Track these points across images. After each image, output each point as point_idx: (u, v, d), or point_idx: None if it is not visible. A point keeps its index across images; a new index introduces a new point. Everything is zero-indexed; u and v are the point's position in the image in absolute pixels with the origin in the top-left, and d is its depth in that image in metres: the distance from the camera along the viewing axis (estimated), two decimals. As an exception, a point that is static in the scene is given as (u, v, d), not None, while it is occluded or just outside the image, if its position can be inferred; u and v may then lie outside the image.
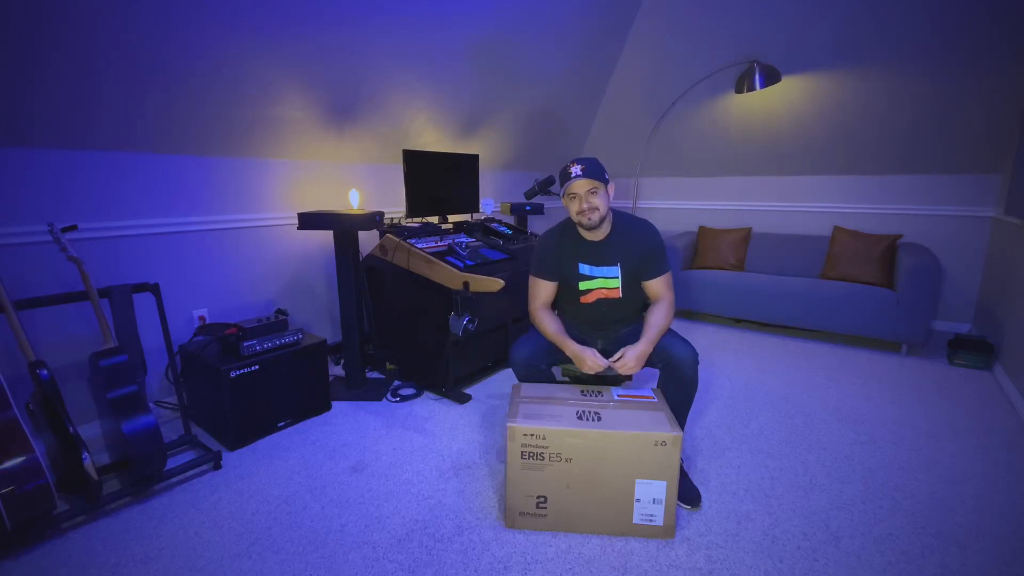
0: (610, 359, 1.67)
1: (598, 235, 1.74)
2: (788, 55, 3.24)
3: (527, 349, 1.77)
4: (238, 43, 1.98)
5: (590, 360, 1.66)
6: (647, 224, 1.81)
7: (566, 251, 1.80)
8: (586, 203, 1.64)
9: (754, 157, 3.84)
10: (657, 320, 1.70)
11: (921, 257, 2.87)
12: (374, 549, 1.44)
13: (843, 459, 1.89)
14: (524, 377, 1.79)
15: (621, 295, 1.80)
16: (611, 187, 1.71)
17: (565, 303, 1.91)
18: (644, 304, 1.88)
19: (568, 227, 1.81)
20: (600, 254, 1.77)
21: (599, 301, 1.82)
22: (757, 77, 3.24)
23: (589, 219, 1.66)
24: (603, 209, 1.67)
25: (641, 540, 1.47)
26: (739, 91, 3.36)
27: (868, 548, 1.43)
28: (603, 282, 1.79)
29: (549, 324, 1.77)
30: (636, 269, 1.77)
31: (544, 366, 1.78)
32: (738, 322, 3.72)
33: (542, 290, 1.84)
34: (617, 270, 1.77)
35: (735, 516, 1.57)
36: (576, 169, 1.63)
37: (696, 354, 1.68)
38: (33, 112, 1.72)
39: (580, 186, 1.63)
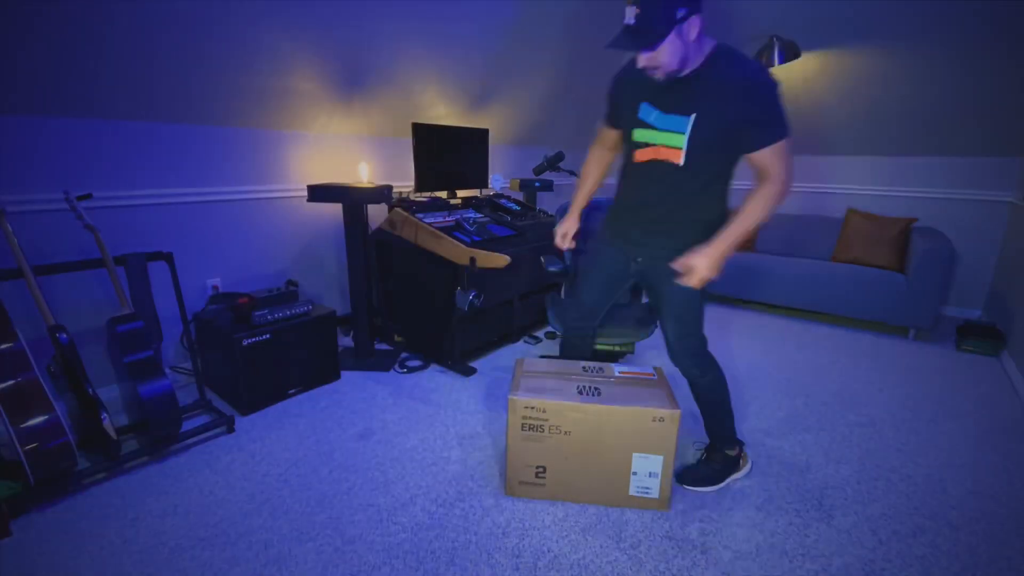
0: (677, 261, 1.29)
1: (683, 70, 1.23)
2: (809, 30, 3.14)
3: (576, 308, 1.64)
4: (248, 13, 1.97)
5: (558, 239, 1.48)
6: (760, 70, 1.24)
7: (633, 86, 1.33)
8: (644, 63, 1.20)
9: (769, 136, 3.76)
10: (754, 208, 1.27)
11: (935, 241, 2.83)
12: (379, 511, 1.50)
13: (841, 440, 1.91)
14: (566, 349, 1.75)
15: (683, 161, 1.30)
16: (693, 23, 1.15)
17: (625, 162, 1.45)
18: (719, 196, 1.39)
19: None
20: (673, 95, 1.26)
21: (652, 164, 1.35)
22: (776, 53, 3.15)
23: (653, 75, 1.22)
24: (672, 63, 1.17)
25: (636, 511, 1.51)
26: (757, 67, 3.28)
27: (860, 526, 1.47)
28: (664, 136, 1.29)
29: (586, 169, 1.52)
30: (725, 129, 1.26)
31: (590, 329, 1.69)
32: (745, 303, 3.71)
33: (606, 136, 1.52)
34: (687, 123, 1.26)
35: (730, 492, 1.61)
36: (630, 15, 1.13)
37: (702, 372, 1.55)
38: (48, 82, 1.73)
39: (641, 58, 1.19)
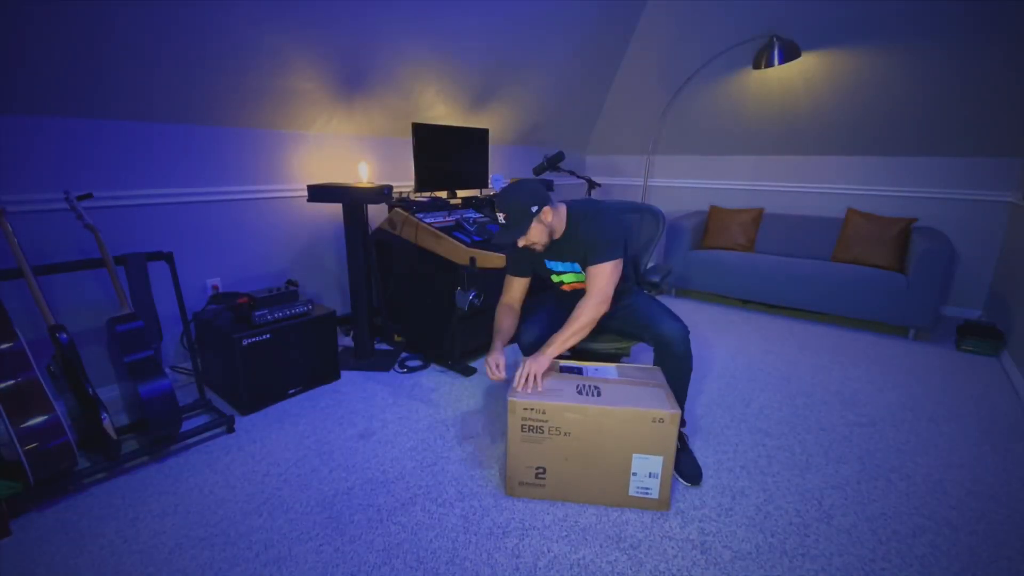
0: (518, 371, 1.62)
1: (555, 236, 1.74)
2: (809, 30, 3.14)
3: (536, 331, 1.79)
4: (248, 13, 1.97)
5: (490, 372, 1.68)
6: (599, 215, 1.73)
7: (532, 253, 1.79)
8: (522, 243, 1.69)
9: (769, 136, 3.77)
10: (575, 315, 1.65)
11: (935, 241, 2.83)
12: (379, 511, 1.50)
13: (841, 440, 1.91)
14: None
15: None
16: (545, 212, 1.64)
17: (555, 290, 1.96)
18: (629, 279, 1.89)
19: None
20: (560, 251, 1.78)
21: (575, 290, 1.85)
22: (776, 53, 3.16)
23: (535, 248, 1.71)
24: (542, 239, 1.68)
25: (636, 511, 1.51)
26: (757, 67, 3.29)
27: (860, 526, 1.47)
28: (571, 276, 1.82)
29: (501, 320, 1.84)
30: (583, 261, 1.75)
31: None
32: (745, 303, 3.71)
33: (512, 287, 1.90)
34: (577, 266, 1.79)
35: (730, 492, 1.61)
36: (501, 218, 1.65)
37: (686, 329, 1.69)
38: (49, 82, 1.74)
39: (518, 243, 1.68)
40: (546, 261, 1.83)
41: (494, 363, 1.68)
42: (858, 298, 3.03)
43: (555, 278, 1.87)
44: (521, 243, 1.68)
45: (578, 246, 1.73)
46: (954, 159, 3.23)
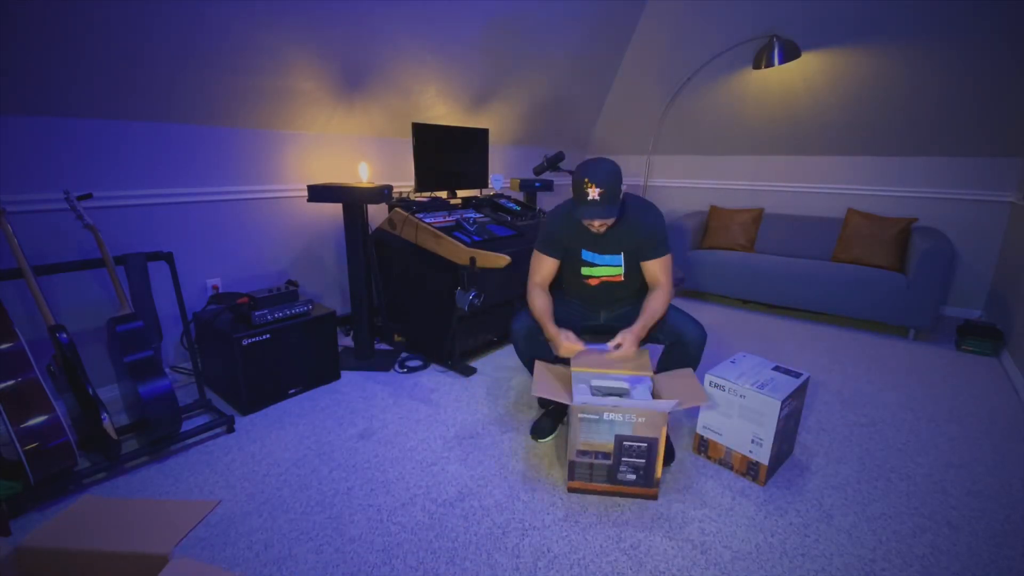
0: (610, 342, 1.69)
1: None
2: (809, 30, 3.14)
3: (529, 321, 1.81)
4: (248, 12, 1.97)
5: (564, 345, 1.68)
6: (651, 208, 1.78)
7: (572, 234, 1.77)
8: (598, 227, 1.67)
9: (769, 136, 3.77)
10: (654, 307, 1.70)
11: (935, 241, 2.83)
12: (379, 511, 1.50)
13: (841, 440, 1.91)
14: (524, 350, 1.84)
15: (624, 279, 1.83)
16: (622, 191, 1.65)
17: (570, 280, 1.92)
18: (639, 284, 1.88)
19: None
20: (605, 242, 1.76)
21: (603, 283, 1.85)
22: (776, 52, 3.16)
23: (598, 231, 1.70)
24: (613, 222, 1.67)
25: (636, 511, 1.51)
26: (757, 67, 3.28)
27: (860, 526, 1.47)
28: (606, 269, 1.81)
29: (538, 301, 1.77)
30: (636, 252, 1.77)
31: (544, 338, 1.81)
32: (745, 303, 3.71)
33: (543, 266, 1.83)
34: (620, 258, 1.78)
35: (729, 492, 1.61)
36: (594, 193, 1.55)
37: (705, 335, 1.74)
38: (48, 82, 1.74)
39: (595, 222, 1.64)
40: (583, 251, 1.78)
41: (563, 337, 1.67)
42: (858, 298, 3.03)
43: (586, 271, 1.82)
44: (599, 225, 1.64)
45: (627, 237, 1.73)
46: (954, 159, 3.23)
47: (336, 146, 2.79)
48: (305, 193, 2.64)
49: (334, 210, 2.84)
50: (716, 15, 3.38)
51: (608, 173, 1.56)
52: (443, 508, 1.51)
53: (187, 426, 1.91)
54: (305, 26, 2.17)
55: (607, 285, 1.85)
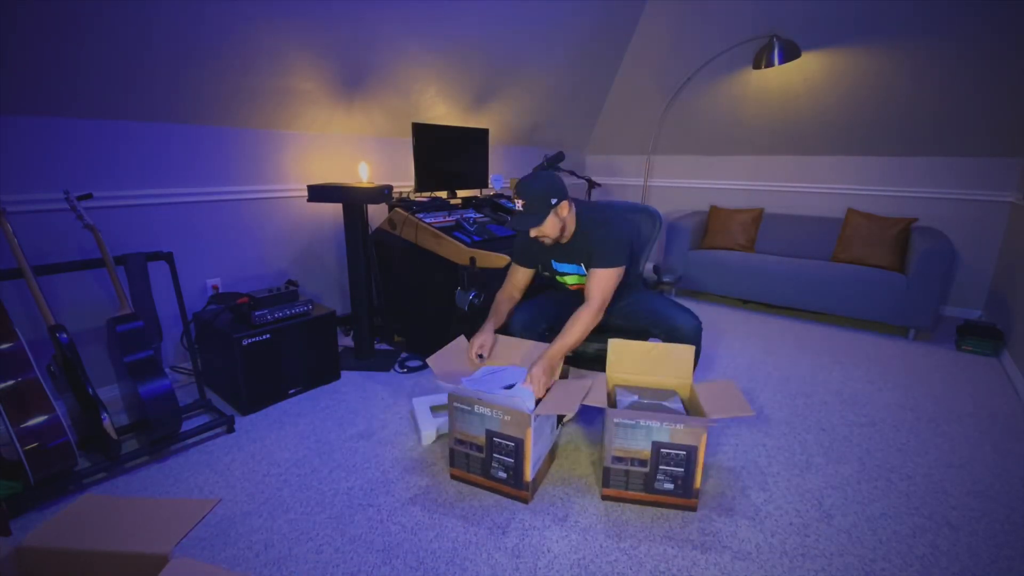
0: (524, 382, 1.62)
1: (564, 238, 1.79)
2: (809, 29, 3.14)
3: (526, 315, 1.86)
4: (247, 12, 1.97)
5: (471, 352, 1.75)
6: (609, 221, 1.78)
7: (540, 246, 1.83)
8: (534, 234, 1.72)
9: (769, 136, 3.77)
10: (569, 330, 1.66)
11: (935, 241, 2.83)
12: (379, 511, 1.50)
13: (841, 440, 1.91)
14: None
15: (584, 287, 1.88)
16: (563, 206, 1.69)
17: (556, 286, 2.02)
18: (632, 278, 1.93)
19: None
20: (566, 253, 1.84)
21: (580, 288, 1.88)
22: (776, 52, 3.16)
23: (544, 242, 1.75)
24: (553, 233, 1.72)
25: (636, 511, 1.51)
26: (757, 67, 3.28)
27: (860, 526, 1.47)
28: (574, 277, 1.88)
29: (497, 304, 1.89)
30: (588, 262, 1.78)
31: (541, 328, 1.87)
32: (745, 303, 3.71)
33: (516, 276, 1.93)
34: (581, 268, 1.84)
35: (729, 491, 1.61)
36: (519, 205, 1.67)
37: (699, 322, 1.76)
38: (48, 82, 1.74)
39: (532, 231, 1.71)
40: (552, 261, 1.87)
41: (479, 343, 1.72)
42: (858, 298, 3.03)
43: (559, 279, 1.92)
44: (533, 233, 1.71)
45: (584, 248, 1.77)
46: (954, 159, 3.23)
47: (336, 146, 2.79)
48: (305, 193, 2.64)
49: (334, 210, 2.84)
50: (716, 15, 3.38)
51: (532, 187, 1.66)
52: (443, 508, 1.51)
53: (187, 426, 1.91)
54: (305, 26, 2.17)
55: (579, 292, 1.89)
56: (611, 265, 1.72)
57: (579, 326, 1.68)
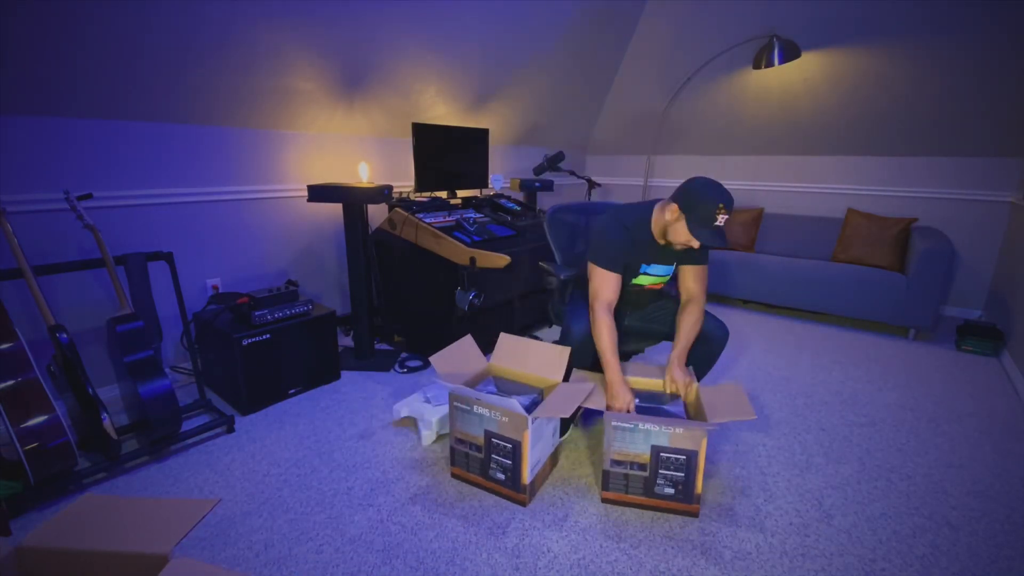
0: (667, 390, 1.68)
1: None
2: (809, 30, 3.14)
3: (587, 324, 1.73)
4: (247, 12, 1.97)
5: (621, 401, 1.55)
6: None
7: (637, 250, 1.73)
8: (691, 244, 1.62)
9: (769, 136, 3.77)
10: (689, 329, 1.70)
11: (935, 241, 2.83)
12: (379, 511, 1.50)
13: (841, 440, 1.91)
14: (579, 351, 1.76)
15: (663, 285, 1.90)
16: None
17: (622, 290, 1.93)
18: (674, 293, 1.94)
19: (641, 225, 1.72)
20: (666, 254, 1.77)
21: (641, 289, 1.87)
22: (776, 52, 3.16)
23: (677, 247, 1.68)
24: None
25: (636, 512, 1.51)
26: (757, 67, 3.28)
27: (860, 526, 1.47)
28: (656, 278, 1.83)
29: (605, 333, 1.64)
30: (680, 259, 1.79)
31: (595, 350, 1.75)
32: (745, 303, 3.71)
33: (610, 284, 1.69)
34: (672, 268, 1.82)
35: (729, 491, 1.61)
36: (722, 220, 1.52)
37: (728, 334, 1.79)
38: (48, 82, 1.74)
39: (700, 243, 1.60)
40: (643, 265, 1.78)
41: (626, 406, 1.54)
42: (858, 298, 3.03)
43: (636, 280, 1.82)
44: (695, 243, 1.60)
45: (676, 248, 1.71)
46: (954, 159, 3.23)
47: (336, 146, 2.79)
48: (305, 193, 2.64)
49: (334, 210, 2.84)
50: (716, 15, 3.38)
51: (733, 199, 1.56)
52: (443, 508, 1.51)
53: (187, 426, 1.91)
54: (305, 26, 2.17)
55: (644, 291, 1.89)
56: (707, 261, 1.79)
57: (696, 324, 1.72)
